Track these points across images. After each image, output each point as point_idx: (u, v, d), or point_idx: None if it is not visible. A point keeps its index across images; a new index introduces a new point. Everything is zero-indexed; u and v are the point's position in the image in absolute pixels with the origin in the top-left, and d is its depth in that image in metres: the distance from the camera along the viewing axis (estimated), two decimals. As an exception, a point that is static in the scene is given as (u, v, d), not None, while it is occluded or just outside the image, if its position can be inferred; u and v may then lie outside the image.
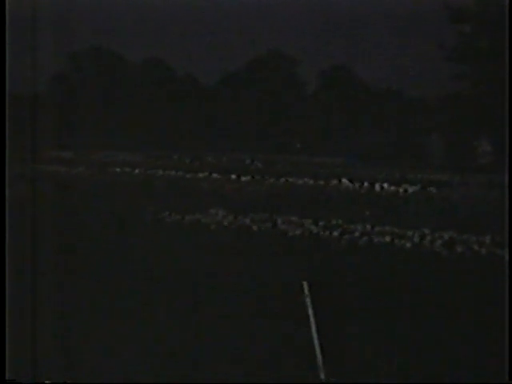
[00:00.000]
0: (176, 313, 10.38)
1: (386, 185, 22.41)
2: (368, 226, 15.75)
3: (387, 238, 14.77)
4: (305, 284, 7.84)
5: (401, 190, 21.92)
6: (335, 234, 15.38)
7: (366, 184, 22.93)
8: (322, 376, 7.61)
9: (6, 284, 8.48)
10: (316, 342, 7.76)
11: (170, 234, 15.84)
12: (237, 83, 41.31)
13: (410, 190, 21.82)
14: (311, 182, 24.28)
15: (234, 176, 25.93)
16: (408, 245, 14.32)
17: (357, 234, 15.26)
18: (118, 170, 29.44)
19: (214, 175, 26.59)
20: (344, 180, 23.76)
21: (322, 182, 23.93)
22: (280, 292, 10.70)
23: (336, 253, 13.86)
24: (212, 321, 10.00)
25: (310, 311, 7.82)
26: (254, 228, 16.29)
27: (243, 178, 25.44)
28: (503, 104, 22.37)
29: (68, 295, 11.05)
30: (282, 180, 24.99)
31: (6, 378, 7.67)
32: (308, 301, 7.88)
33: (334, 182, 23.85)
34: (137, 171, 28.78)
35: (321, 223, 16.25)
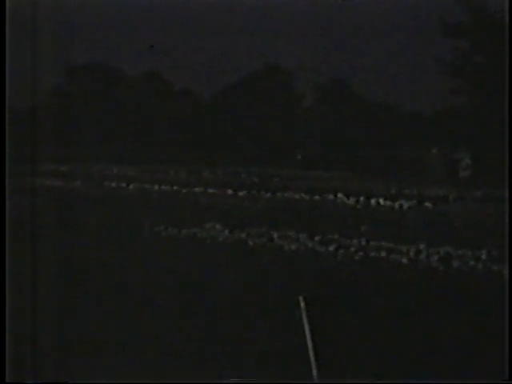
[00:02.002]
0: (170, 321, 10.38)
1: (381, 200, 22.46)
2: (363, 241, 15.79)
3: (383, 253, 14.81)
4: (301, 298, 7.86)
5: (396, 205, 21.97)
6: (331, 248, 15.41)
7: (361, 198, 22.97)
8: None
9: (6, 286, 8.50)
10: (312, 355, 7.77)
11: (166, 248, 15.86)
12: (233, 97, 41.38)
13: (406, 205, 21.87)
14: (307, 196, 24.32)
15: (230, 191, 25.95)
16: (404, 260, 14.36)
17: (352, 248, 15.29)
18: (113, 184, 29.46)
19: (211, 190, 26.62)
20: (340, 195, 23.80)
21: (317, 197, 23.96)
22: (276, 306, 10.71)
23: (332, 267, 13.87)
24: (203, 331, 10.02)
25: (306, 325, 7.84)
26: (250, 242, 16.31)
27: (240, 193, 25.47)
28: (503, 118, 22.40)
29: (66, 302, 11.08)
30: (279, 194, 25.02)
31: (6, 379, 7.68)
32: (304, 315, 7.90)
33: (330, 196, 23.88)
34: (132, 186, 28.79)
35: (316, 238, 16.28)
